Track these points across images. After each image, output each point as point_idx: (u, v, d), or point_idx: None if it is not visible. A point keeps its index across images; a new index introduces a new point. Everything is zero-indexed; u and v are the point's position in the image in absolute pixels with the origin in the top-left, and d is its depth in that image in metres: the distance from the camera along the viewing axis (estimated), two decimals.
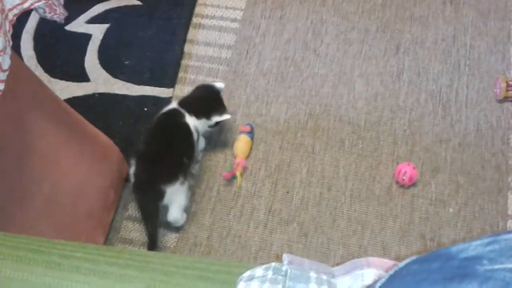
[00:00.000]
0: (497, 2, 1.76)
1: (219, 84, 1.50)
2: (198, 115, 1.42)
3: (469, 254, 0.43)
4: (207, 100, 1.47)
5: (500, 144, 1.52)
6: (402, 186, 1.47)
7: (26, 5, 0.86)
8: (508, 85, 1.55)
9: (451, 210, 1.44)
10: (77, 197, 1.25)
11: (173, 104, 1.45)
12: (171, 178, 1.34)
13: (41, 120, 1.09)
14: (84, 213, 1.29)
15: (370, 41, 1.72)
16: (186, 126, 1.40)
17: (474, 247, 0.43)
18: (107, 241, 1.43)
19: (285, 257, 0.63)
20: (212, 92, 1.48)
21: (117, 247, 1.40)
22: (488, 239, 0.43)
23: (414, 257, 0.48)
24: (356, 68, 1.67)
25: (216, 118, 1.44)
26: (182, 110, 1.42)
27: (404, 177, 1.44)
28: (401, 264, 0.48)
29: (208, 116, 1.43)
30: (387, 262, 0.62)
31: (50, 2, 0.92)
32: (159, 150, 1.37)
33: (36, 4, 0.87)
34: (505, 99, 1.57)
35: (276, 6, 1.81)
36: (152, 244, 1.38)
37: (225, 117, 1.45)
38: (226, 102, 1.51)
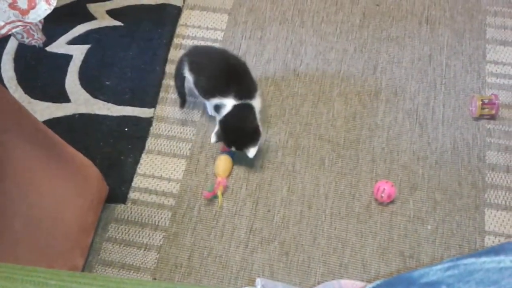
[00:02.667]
0: (471, 22, 1.81)
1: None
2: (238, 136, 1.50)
3: (429, 279, 0.44)
4: (239, 129, 1.49)
5: (476, 161, 1.55)
6: (381, 203, 1.49)
7: (3, 31, 0.87)
8: (483, 103, 1.58)
9: (429, 227, 1.46)
10: (55, 218, 1.24)
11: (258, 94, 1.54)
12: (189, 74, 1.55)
13: (19, 142, 1.09)
14: (62, 234, 1.28)
15: (348, 61, 1.75)
16: (250, 103, 1.50)
17: (434, 272, 0.45)
18: (87, 263, 1.42)
19: (258, 281, 0.64)
20: (244, 133, 1.50)
21: (91, 274, 1.39)
22: (448, 264, 0.45)
23: (378, 281, 0.49)
24: (335, 87, 1.70)
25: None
26: (253, 101, 1.51)
27: (382, 195, 1.46)
28: None
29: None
30: (358, 284, 0.64)
31: (28, 27, 0.93)
32: (212, 65, 1.53)
33: (13, 30, 0.88)
34: (481, 117, 1.61)
35: (256, 27, 1.84)
36: (182, 102, 1.66)
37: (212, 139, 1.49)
38: (207, 122, 1.51)
